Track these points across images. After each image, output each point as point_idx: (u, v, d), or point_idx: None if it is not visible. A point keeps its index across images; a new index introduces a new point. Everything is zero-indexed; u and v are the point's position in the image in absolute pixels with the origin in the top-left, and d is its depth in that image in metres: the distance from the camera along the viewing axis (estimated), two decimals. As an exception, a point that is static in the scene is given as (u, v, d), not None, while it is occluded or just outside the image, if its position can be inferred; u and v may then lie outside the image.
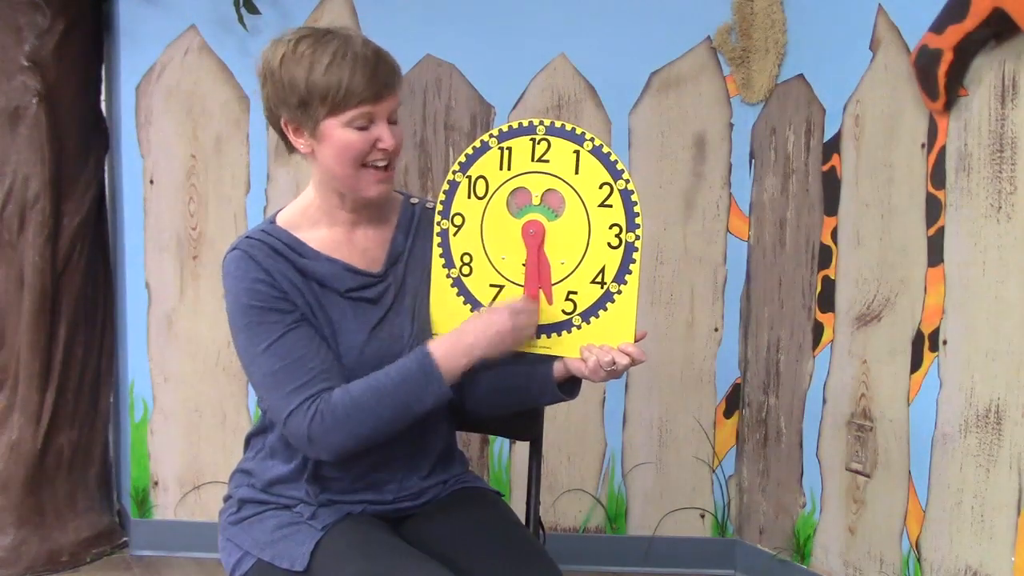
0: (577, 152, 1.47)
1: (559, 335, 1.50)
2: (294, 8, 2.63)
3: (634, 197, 1.45)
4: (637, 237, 1.45)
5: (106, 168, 2.84)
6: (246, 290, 1.45)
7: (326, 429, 1.41)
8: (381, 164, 1.46)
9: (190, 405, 2.76)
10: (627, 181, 1.45)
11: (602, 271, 1.47)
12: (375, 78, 1.41)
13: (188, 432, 2.77)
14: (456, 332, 1.46)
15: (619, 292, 1.46)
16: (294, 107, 1.44)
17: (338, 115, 1.42)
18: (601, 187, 1.46)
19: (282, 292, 1.45)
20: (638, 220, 1.45)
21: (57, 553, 2.67)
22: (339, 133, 1.44)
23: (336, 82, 1.40)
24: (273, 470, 1.54)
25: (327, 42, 1.43)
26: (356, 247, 1.54)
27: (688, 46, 2.64)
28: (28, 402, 2.65)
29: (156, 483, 2.79)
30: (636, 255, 1.45)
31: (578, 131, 1.47)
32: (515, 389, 1.56)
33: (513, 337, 1.45)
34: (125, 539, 2.84)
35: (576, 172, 1.47)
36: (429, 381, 1.42)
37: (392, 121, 1.47)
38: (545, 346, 1.51)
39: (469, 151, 1.53)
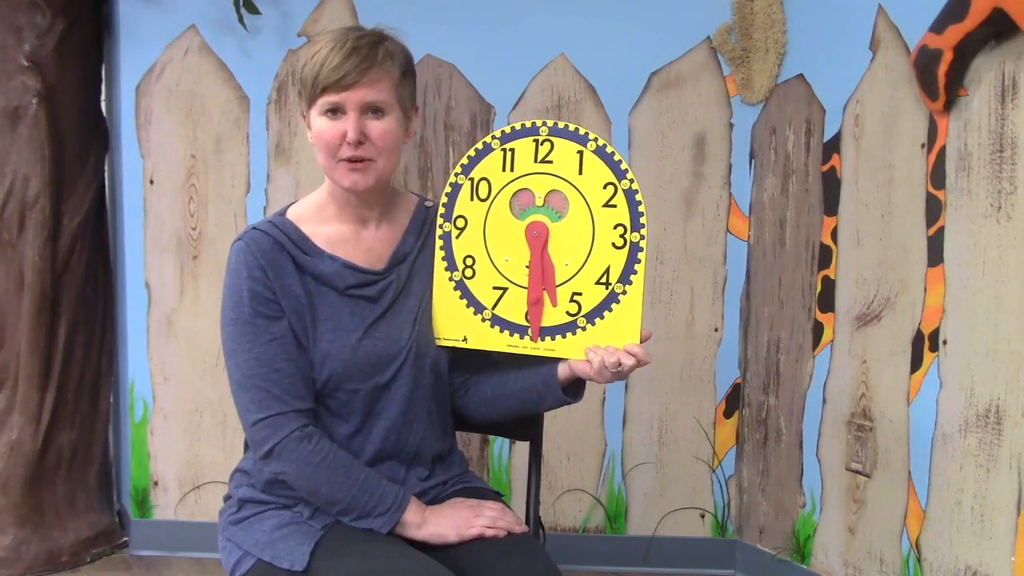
0: (581, 152, 1.47)
1: (563, 337, 1.50)
2: (294, 8, 2.63)
3: (638, 197, 1.45)
4: (642, 237, 1.45)
5: (106, 168, 2.84)
6: (241, 285, 1.47)
7: (292, 457, 1.44)
8: (344, 156, 1.46)
9: (190, 405, 2.76)
10: (631, 181, 1.45)
11: (607, 272, 1.47)
12: (341, 67, 1.42)
13: (188, 432, 2.77)
14: (433, 510, 1.51)
15: (624, 293, 1.46)
16: (301, 97, 1.49)
17: (314, 103, 1.46)
18: (605, 187, 1.46)
19: (273, 294, 1.47)
20: (643, 220, 1.45)
21: (57, 553, 2.67)
22: (315, 121, 1.47)
23: (311, 69, 1.44)
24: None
25: (332, 34, 1.45)
26: (362, 245, 1.54)
27: (688, 46, 2.64)
28: (28, 402, 2.65)
29: (156, 483, 2.79)
30: (641, 255, 1.45)
31: (581, 131, 1.47)
32: (519, 393, 1.56)
33: (470, 530, 1.49)
34: (125, 539, 2.83)
35: (580, 173, 1.47)
36: (386, 519, 1.46)
37: (372, 114, 1.45)
38: (549, 348, 1.51)
39: (471, 153, 1.53)
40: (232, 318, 1.47)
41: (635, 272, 1.46)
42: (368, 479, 1.47)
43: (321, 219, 1.54)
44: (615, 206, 1.46)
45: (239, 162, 2.71)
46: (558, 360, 1.51)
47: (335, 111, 1.45)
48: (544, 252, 1.49)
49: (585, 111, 2.65)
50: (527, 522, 1.68)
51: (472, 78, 2.66)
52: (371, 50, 1.43)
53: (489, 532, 1.48)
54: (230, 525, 1.55)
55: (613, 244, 1.46)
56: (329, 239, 1.53)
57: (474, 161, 1.53)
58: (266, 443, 1.45)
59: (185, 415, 2.76)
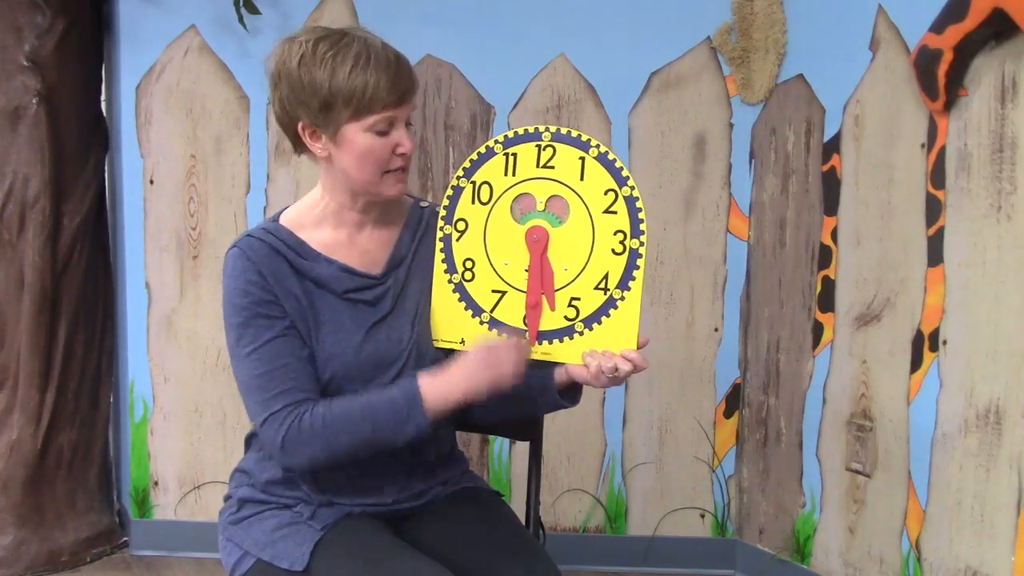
0: (583, 159, 1.47)
1: (561, 341, 1.50)
2: (294, 8, 2.63)
3: (639, 204, 1.45)
4: (641, 244, 1.45)
5: (106, 168, 2.84)
6: (239, 290, 1.46)
7: (301, 440, 1.41)
8: (396, 167, 1.46)
9: (190, 405, 2.76)
10: (632, 188, 1.46)
11: (605, 277, 1.47)
12: (398, 82, 1.41)
13: (188, 432, 2.77)
14: (447, 371, 1.44)
15: (622, 298, 1.46)
16: (315, 110, 1.43)
17: (361, 119, 1.42)
18: (606, 193, 1.46)
19: (273, 296, 1.46)
20: (643, 227, 1.46)
21: (57, 553, 2.67)
22: (360, 138, 1.43)
23: (361, 86, 1.39)
24: (270, 471, 1.53)
25: (347, 44, 1.41)
26: (357, 248, 1.54)
27: (688, 46, 2.64)
28: (28, 402, 2.65)
29: (156, 483, 2.79)
30: (640, 262, 1.46)
31: (584, 138, 1.47)
32: (516, 396, 1.56)
33: (503, 378, 1.42)
34: (125, 539, 2.84)
35: (581, 179, 1.48)
36: (412, 414, 1.41)
37: (408, 124, 1.47)
38: (546, 352, 1.51)
39: (474, 157, 1.53)
40: (233, 322, 1.46)
41: (634, 278, 1.46)
42: (370, 402, 1.43)
43: (316, 224, 1.53)
44: (615, 212, 1.46)
45: (239, 162, 2.71)
46: (556, 364, 1.51)
47: (390, 125, 1.44)
48: (544, 256, 1.49)
49: (585, 111, 2.65)
50: (527, 522, 1.69)
51: (472, 78, 2.66)
52: (405, 61, 1.45)
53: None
54: (230, 525, 1.55)
55: (613, 250, 1.46)
56: (324, 243, 1.52)
57: (476, 165, 1.53)
58: (275, 439, 1.43)
59: (185, 415, 2.76)
